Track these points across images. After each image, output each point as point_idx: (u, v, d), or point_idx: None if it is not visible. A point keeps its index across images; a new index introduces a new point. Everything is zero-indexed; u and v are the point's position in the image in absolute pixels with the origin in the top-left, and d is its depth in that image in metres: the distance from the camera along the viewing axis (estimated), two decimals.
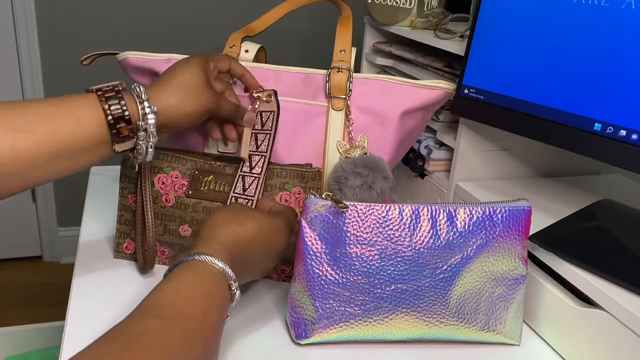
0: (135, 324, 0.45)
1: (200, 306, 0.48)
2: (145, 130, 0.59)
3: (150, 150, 0.61)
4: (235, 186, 0.68)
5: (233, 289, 0.53)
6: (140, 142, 0.60)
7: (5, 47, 1.91)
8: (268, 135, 0.71)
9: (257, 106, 0.73)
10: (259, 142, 0.71)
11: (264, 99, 0.73)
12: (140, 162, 0.62)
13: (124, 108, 0.57)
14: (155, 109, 0.59)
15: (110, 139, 0.58)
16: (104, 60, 1.11)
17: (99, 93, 0.57)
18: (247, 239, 0.57)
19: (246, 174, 0.69)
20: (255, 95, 0.74)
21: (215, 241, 0.55)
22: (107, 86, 0.59)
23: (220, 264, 0.52)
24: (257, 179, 0.68)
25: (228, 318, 0.53)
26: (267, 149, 0.70)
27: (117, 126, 0.57)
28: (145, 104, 0.58)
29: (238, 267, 0.55)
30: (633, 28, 0.59)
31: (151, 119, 0.59)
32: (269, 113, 0.72)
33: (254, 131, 0.72)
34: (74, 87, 2.03)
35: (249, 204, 0.67)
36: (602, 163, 0.85)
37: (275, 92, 0.73)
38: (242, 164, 0.70)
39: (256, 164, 0.69)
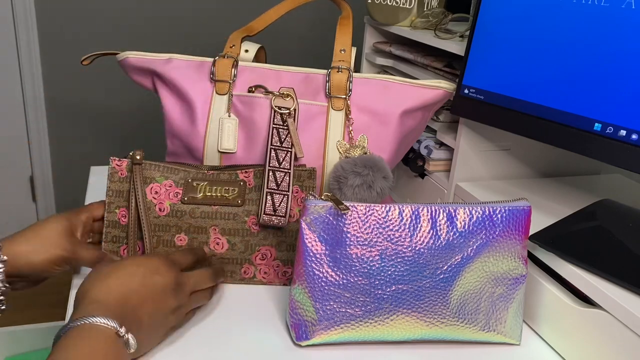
0: None
1: None
2: None
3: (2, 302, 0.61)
4: (268, 181, 0.68)
5: (122, 335, 0.50)
6: None
7: (5, 47, 1.91)
8: (289, 130, 0.71)
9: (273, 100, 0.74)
10: (282, 138, 0.71)
11: (281, 94, 0.73)
12: None
13: None
14: (4, 257, 0.60)
15: None
16: (104, 60, 1.11)
17: None
18: (109, 274, 0.56)
19: (276, 168, 0.69)
20: (267, 92, 0.74)
21: (85, 303, 0.53)
22: None
23: (98, 319, 0.50)
24: (288, 173, 0.69)
25: None
26: (291, 144, 0.71)
27: None
28: None
29: (119, 313, 0.52)
30: (633, 28, 0.59)
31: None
32: (287, 110, 0.73)
33: (274, 126, 0.72)
34: (74, 87, 2.03)
35: (284, 200, 0.68)
36: (602, 163, 0.85)
37: (294, 90, 0.73)
38: (268, 158, 0.69)
39: (283, 159, 0.69)
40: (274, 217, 0.67)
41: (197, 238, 0.70)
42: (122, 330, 0.50)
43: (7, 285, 0.61)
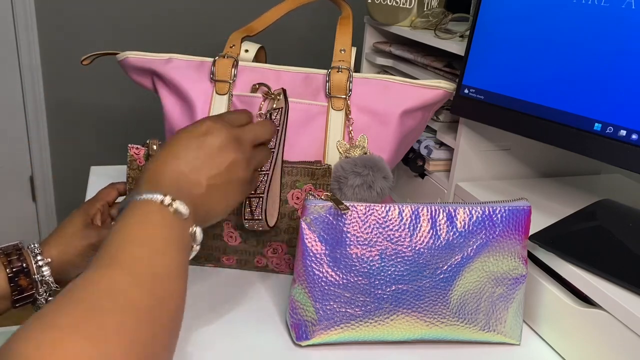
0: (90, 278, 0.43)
1: (139, 238, 0.46)
2: (42, 282, 0.64)
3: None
4: None
5: (167, 204, 0.48)
6: (40, 297, 0.64)
7: (5, 47, 1.91)
8: (277, 131, 0.70)
9: (267, 104, 0.73)
10: None
11: (275, 96, 0.72)
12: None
13: (24, 264, 0.63)
14: (48, 260, 0.64)
15: (10, 293, 0.62)
16: (104, 60, 1.11)
17: (1, 257, 0.63)
18: (161, 151, 0.54)
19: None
20: (265, 93, 0.74)
21: (142, 180, 0.53)
22: (8, 246, 0.64)
23: (141, 196, 0.49)
24: (266, 175, 0.68)
25: (196, 245, 0.51)
26: (275, 145, 0.69)
27: (16, 279, 0.62)
28: (39, 257, 0.64)
29: (170, 185, 0.51)
30: (633, 28, 0.59)
31: (46, 271, 0.63)
32: (277, 110, 0.71)
33: None
34: (74, 87, 2.03)
35: (260, 203, 0.66)
36: (602, 163, 0.85)
37: (284, 90, 0.72)
38: None
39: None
40: (253, 221, 0.66)
41: (211, 230, 0.71)
42: (167, 199, 0.48)
43: (57, 285, 0.65)
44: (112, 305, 0.39)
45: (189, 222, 0.50)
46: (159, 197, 0.48)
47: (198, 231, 0.51)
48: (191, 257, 0.51)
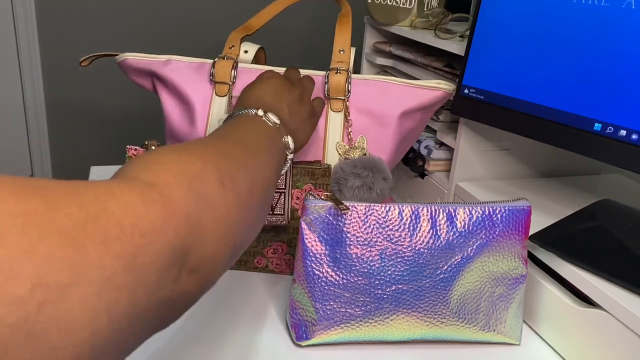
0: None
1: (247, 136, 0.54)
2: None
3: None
4: None
5: (261, 115, 0.57)
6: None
7: (5, 47, 1.91)
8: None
9: None
10: None
11: None
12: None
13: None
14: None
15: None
16: (104, 61, 1.11)
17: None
18: (240, 96, 0.65)
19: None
20: None
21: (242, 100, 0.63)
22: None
23: (240, 111, 0.57)
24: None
25: (289, 153, 0.58)
26: None
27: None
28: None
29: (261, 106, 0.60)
30: (633, 28, 0.59)
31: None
32: None
33: None
34: (74, 87, 2.03)
35: (281, 199, 0.68)
36: (602, 163, 0.85)
37: None
38: None
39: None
40: (273, 216, 0.67)
41: None
42: (259, 111, 0.57)
43: None
44: (211, 147, 0.46)
45: (280, 131, 0.57)
46: (252, 111, 0.57)
47: (290, 140, 0.58)
48: (286, 167, 0.59)
